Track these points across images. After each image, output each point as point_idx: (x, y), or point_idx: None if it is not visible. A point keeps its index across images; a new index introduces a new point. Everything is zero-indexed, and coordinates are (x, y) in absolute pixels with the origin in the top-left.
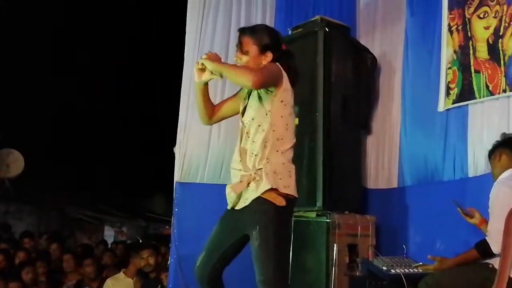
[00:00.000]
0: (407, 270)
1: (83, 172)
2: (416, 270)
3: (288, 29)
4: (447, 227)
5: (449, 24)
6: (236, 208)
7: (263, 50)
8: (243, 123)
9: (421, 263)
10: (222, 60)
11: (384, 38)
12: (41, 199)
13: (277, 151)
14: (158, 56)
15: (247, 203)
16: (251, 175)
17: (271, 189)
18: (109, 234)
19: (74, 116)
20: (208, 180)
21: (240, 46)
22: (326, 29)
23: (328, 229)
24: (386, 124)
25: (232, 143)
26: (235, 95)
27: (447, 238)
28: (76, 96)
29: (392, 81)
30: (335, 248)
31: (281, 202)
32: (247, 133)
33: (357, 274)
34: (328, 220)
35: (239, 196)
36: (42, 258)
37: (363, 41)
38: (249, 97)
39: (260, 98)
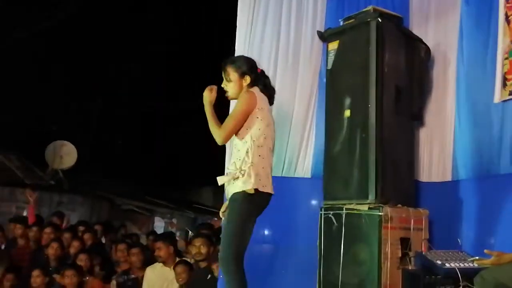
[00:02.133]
0: (462, 265)
1: (134, 164)
2: (471, 265)
3: (340, 20)
4: (503, 221)
5: (506, 14)
6: (227, 198)
7: (242, 75)
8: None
9: (477, 257)
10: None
11: (438, 28)
12: (93, 190)
13: (259, 155)
14: (208, 49)
15: (230, 195)
16: (236, 173)
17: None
18: (159, 225)
19: (126, 110)
20: None
21: (224, 75)
22: (379, 19)
23: (381, 223)
24: (440, 115)
25: (283, 133)
26: None
27: (503, 232)
28: (127, 89)
29: (446, 72)
30: (387, 241)
31: (250, 190)
32: (235, 144)
33: (410, 268)
34: (380, 213)
35: (228, 189)
36: (95, 247)
37: (416, 32)
38: None
39: None
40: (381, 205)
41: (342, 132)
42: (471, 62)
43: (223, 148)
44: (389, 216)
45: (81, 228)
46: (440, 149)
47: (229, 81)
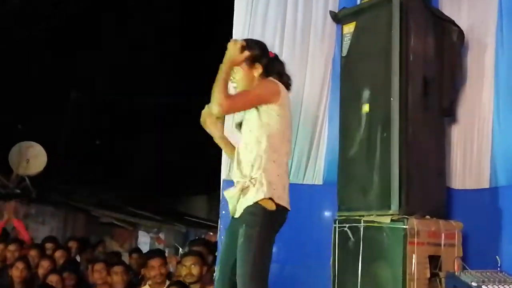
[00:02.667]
0: (502, 287)
1: (115, 170)
2: None
3: None
4: None
5: None
6: (235, 216)
7: (252, 62)
8: (242, 134)
9: None
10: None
11: (473, 8)
12: (66, 200)
13: (273, 161)
14: (202, 35)
15: (243, 208)
16: (245, 182)
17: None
18: (144, 241)
19: (105, 107)
20: None
21: None
22: None
23: (405, 237)
24: (476, 111)
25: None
26: None
27: None
28: (108, 88)
29: (483, 59)
30: (413, 259)
31: (271, 206)
32: (246, 144)
33: None
34: (405, 227)
35: (236, 205)
36: (69, 267)
37: (447, 12)
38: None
39: (258, 110)
40: (406, 216)
41: (360, 130)
42: None
43: (218, 151)
44: (416, 229)
45: (48, 245)
46: (476, 151)
47: (236, 72)
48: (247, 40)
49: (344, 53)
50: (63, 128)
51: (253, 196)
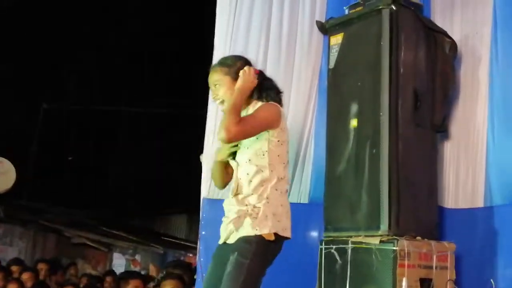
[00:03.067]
0: None
1: (88, 187)
2: None
3: (345, 7)
4: None
5: None
6: (228, 242)
7: (236, 75)
8: (237, 163)
9: None
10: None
11: (467, 19)
12: (35, 220)
13: (276, 190)
14: (183, 59)
15: (238, 236)
16: (247, 211)
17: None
18: (119, 263)
19: (77, 120)
20: None
21: (212, 84)
22: (393, 6)
23: (395, 259)
24: (469, 127)
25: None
26: None
27: None
28: (81, 98)
29: (477, 72)
30: (404, 283)
31: (269, 236)
32: (245, 172)
33: None
34: (395, 248)
35: (231, 233)
36: None
37: (439, 23)
38: None
39: (257, 137)
40: (396, 237)
41: (348, 146)
42: (508, 60)
43: (198, 167)
44: (406, 251)
45: (14, 268)
46: (470, 168)
47: (218, 88)
48: (229, 57)
49: (332, 65)
50: (33, 142)
51: (255, 227)
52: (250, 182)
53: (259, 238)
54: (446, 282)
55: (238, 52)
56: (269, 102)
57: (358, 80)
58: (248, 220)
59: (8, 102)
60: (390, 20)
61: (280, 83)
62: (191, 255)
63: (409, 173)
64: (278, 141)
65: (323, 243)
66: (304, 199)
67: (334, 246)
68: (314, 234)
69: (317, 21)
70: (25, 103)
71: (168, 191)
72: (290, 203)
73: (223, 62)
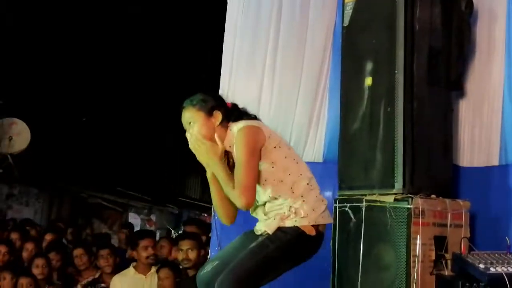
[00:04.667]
0: (511, 269)
1: (103, 149)
2: None
3: None
4: None
5: None
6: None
7: (210, 112)
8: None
9: None
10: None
11: None
12: (51, 180)
13: (307, 184)
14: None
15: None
16: (284, 213)
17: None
18: (134, 223)
19: (94, 85)
20: None
21: (187, 123)
22: None
23: (410, 217)
24: (485, 85)
25: (287, 107)
26: None
27: None
28: (99, 66)
29: (493, 30)
30: (418, 240)
31: (309, 230)
32: (269, 195)
33: (446, 273)
34: (409, 206)
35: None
36: (55, 249)
37: None
38: None
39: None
40: (411, 195)
41: (362, 105)
42: None
43: None
44: (421, 209)
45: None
46: (485, 127)
47: (192, 125)
48: (196, 96)
49: (346, 23)
50: (47, 103)
51: (293, 219)
52: (276, 199)
53: (297, 231)
54: (460, 240)
55: (252, 7)
56: (240, 130)
57: (373, 38)
58: (287, 218)
59: (21, 59)
60: None
61: (294, 40)
62: (205, 215)
63: (424, 132)
64: (274, 147)
65: (337, 202)
66: (318, 158)
67: (348, 205)
68: (329, 193)
69: None
70: (38, 60)
71: (181, 151)
72: (305, 162)
73: (194, 99)
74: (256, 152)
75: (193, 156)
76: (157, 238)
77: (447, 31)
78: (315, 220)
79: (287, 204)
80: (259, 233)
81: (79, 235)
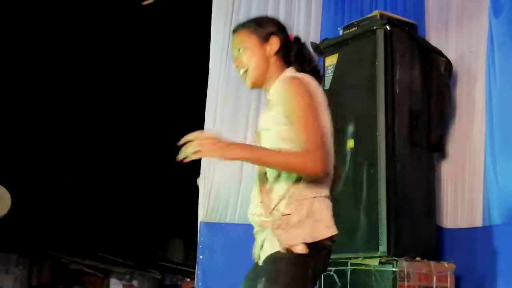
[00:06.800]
0: None
1: (84, 214)
2: None
3: (339, 28)
4: None
5: None
6: (259, 263)
7: (266, 37)
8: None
9: None
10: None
11: (462, 38)
12: (31, 245)
13: (313, 182)
14: (179, 74)
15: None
16: (274, 222)
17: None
18: None
19: (73, 145)
20: (241, 220)
21: (236, 49)
22: (387, 27)
23: (395, 281)
24: (466, 146)
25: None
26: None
27: None
28: (77, 122)
29: (473, 91)
30: None
31: (301, 249)
32: (267, 174)
33: None
34: (394, 269)
35: (259, 251)
36: None
37: (434, 42)
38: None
39: (278, 125)
40: (396, 258)
41: (345, 167)
42: (505, 78)
43: (195, 191)
44: (406, 272)
45: None
46: (468, 187)
47: (242, 52)
48: (255, 17)
49: (327, 86)
50: (26, 165)
51: (283, 239)
52: (274, 187)
53: (287, 255)
54: None
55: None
56: (283, 80)
57: (354, 101)
58: (275, 234)
59: (10, 129)
60: (384, 40)
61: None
62: (188, 280)
63: (407, 193)
64: None
65: None
66: None
67: (333, 269)
68: None
69: (311, 43)
70: (27, 130)
71: (164, 215)
72: None
73: (249, 21)
74: (311, 107)
75: (176, 218)
76: None
77: (427, 93)
78: (315, 232)
79: (280, 209)
80: (260, 262)
81: None
